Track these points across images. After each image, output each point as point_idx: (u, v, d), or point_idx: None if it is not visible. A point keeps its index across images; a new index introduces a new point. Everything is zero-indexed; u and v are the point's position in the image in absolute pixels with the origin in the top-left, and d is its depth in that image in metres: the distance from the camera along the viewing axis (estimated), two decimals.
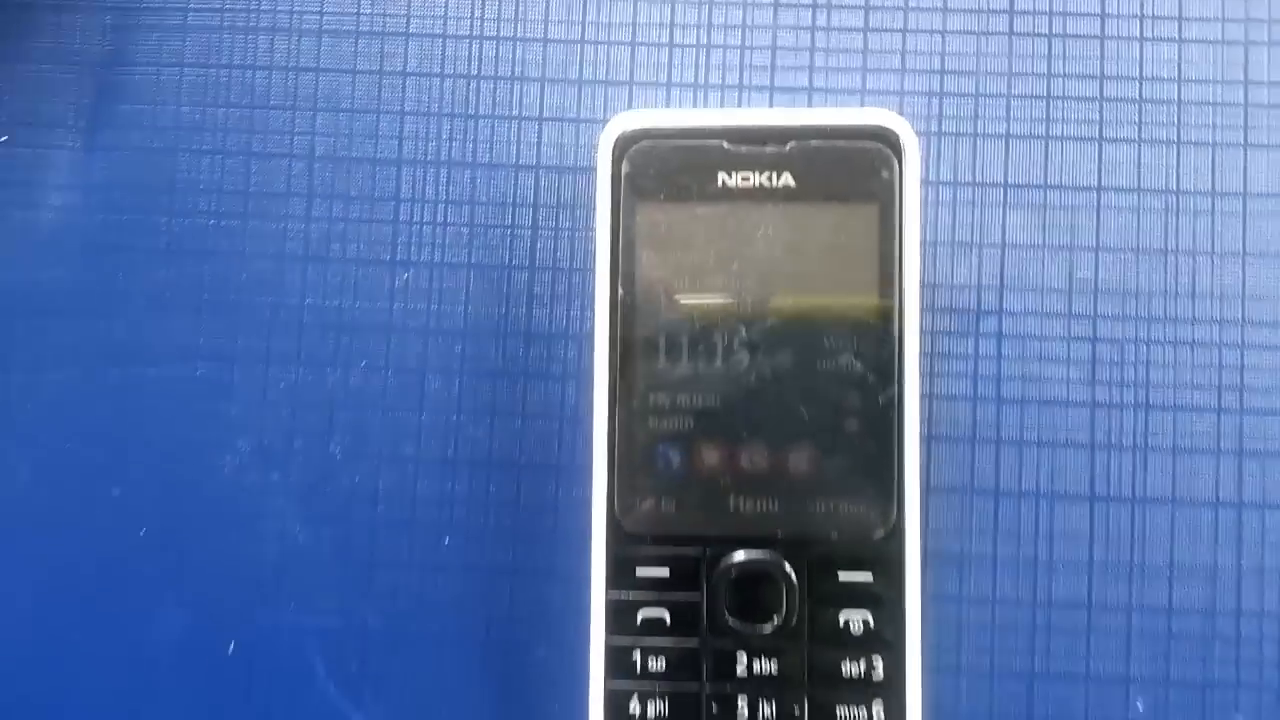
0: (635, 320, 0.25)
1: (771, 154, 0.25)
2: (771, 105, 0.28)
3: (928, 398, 0.27)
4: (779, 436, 0.25)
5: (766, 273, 0.25)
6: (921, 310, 0.25)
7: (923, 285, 0.25)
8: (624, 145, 0.25)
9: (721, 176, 0.25)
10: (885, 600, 0.24)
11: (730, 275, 0.25)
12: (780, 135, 0.25)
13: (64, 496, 0.28)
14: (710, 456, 0.25)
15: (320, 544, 0.28)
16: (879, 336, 0.24)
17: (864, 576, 0.24)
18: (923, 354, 0.25)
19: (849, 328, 0.25)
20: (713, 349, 0.25)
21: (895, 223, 0.25)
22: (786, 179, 0.25)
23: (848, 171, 0.25)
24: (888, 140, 0.25)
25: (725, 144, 0.25)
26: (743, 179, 0.25)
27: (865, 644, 0.24)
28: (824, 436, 0.24)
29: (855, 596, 0.24)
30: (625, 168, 0.25)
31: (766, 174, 0.25)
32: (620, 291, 0.25)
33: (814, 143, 0.25)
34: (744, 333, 0.25)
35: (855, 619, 0.24)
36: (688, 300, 0.25)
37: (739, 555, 0.25)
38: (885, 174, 0.25)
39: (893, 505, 0.24)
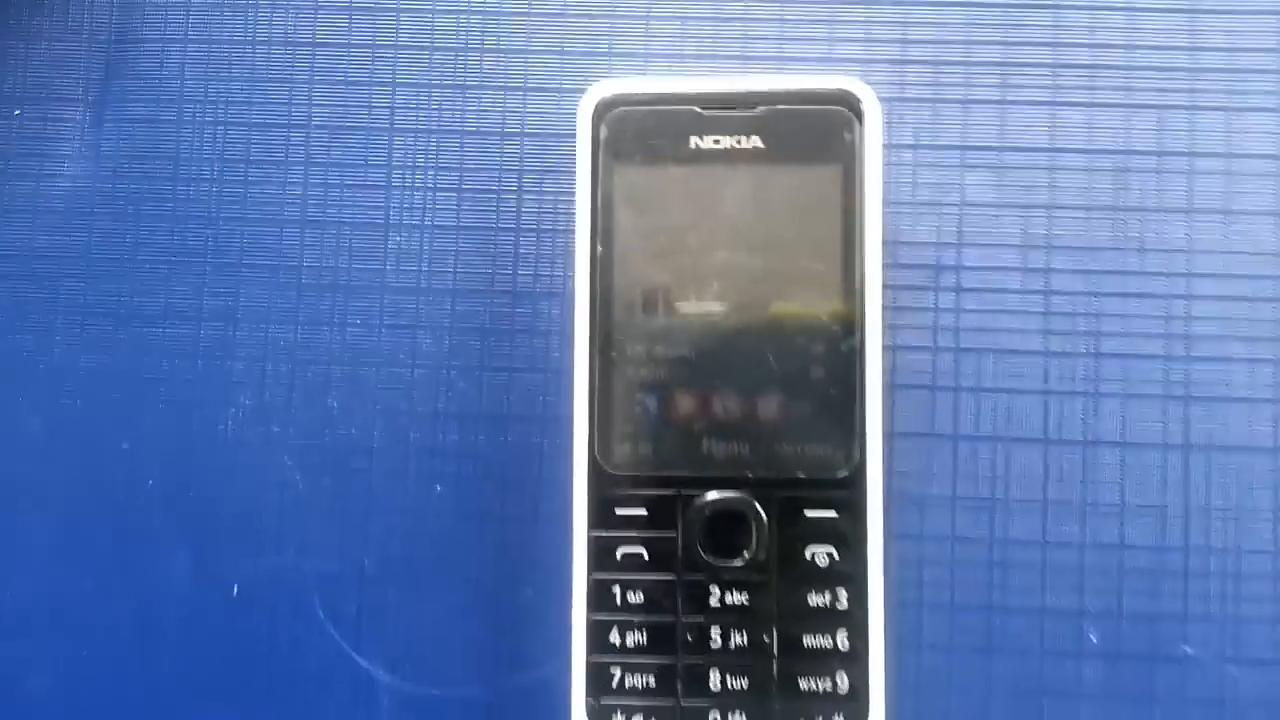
0: (613, 276, 0.26)
1: (741, 118, 0.26)
2: (742, 74, 0.29)
3: (891, 348, 0.28)
4: (749, 384, 0.26)
5: (736, 230, 0.26)
6: (883, 265, 0.26)
7: (885, 242, 0.26)
8: (602, 111, 0.27)
9: (694, 140, 0.26)
10: (849, 536, 0.26)
11: (702, 233, 0.26)
12: (749, 100, 0.26)
13: (76, 450, 0.29)
14: (684, 403, 0.26)
15: (319, 493, 0.29)
16: (842, 289, 0.26)
17: (829, 514, 0.26)
18: (886, 308, 0.26)
19: (813, 280, 0.26)
20: (684, 301, 0.26)
21: (857, 182, 0.26)
22: (755, 141, 0.26)
23: (813, 134, 0.26)
24: (850, 104, 0.26)
25: (697, 109, 0.26)
26: (714, 142, 0.27)
27: (830, 577, 0.26)
28: (791, 384, 0.26)
29: (821, 533, 0.26)
30: (603, 132, 0.26)
31: (736, 137, 0.26)
32: (599, 249, 0.26)
33: (781, 107, 0.26)
34: (715, 286, 0.26)
35: (821, 553, 0.26)
36: (662, 256, 0.26)
37: (712, 495, 0.26)
38: (848, 136, 0.26)
39: (855, 446, 0.26)
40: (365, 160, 0.30)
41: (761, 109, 0.26)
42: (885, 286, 0.26)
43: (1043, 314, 0.28)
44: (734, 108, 0.26)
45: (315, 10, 0.30)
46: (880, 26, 0.29)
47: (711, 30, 0.30)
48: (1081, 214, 0.29)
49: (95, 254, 0.30)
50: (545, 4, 0.30)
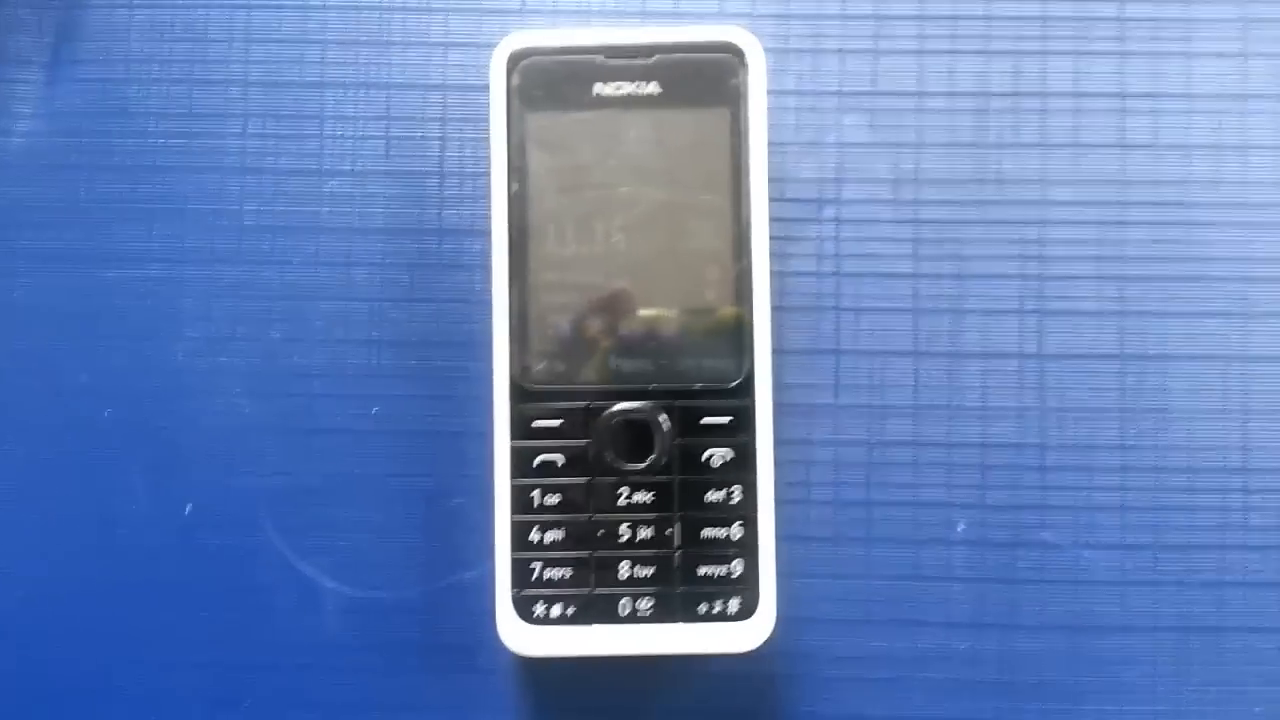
0: (526, 211, 0.28)
1: (639, 66, 0.28)
2: (640, 27, 0.31)
3: (779, 274, 0.30)
4: (650, 306, 0.28)
5: (636, 168, 0.28)
6: (770, 199, 0.28)
7: (772, 179, 0.29)
8: (514, 61, 0.29)
9: (597, 86, 0.29)
10: (742, 439, 0.28)
11: (605, 171, 0.28)
12: (646, 50, 0.29)
13: (39, 383, 0.31)
14: (592, 324, 0.28)
15: (265, 416, 0.31)
16: (731, 218, 0.28)
17: (723, 420, 0.28)
18: (773, 237, 0.29)
19: (707, 212, 0.28)
20: (591, 232, 0.28)
21: (743, 123, 0.28)
22: (653, 87, 0.29)
23: (704, 80, 0.28)
24: (736, 52, 0.28)
25: (600, 58, 0.29)
26: (615, 88, 0.29)
27: (725, 476, 0.28)
28: (687, 305, 0.28)
29: (716, 436, 0.28)
30: (514, 80, 0.29)
31: (635, 83, 0.29)
32: (514, 186, 0.28)
33: (675, 56, 0.29)
34: (618, 219, 0.28)
35: (717, 455, 0.28)
36: (570, 192, 0.29)
37: (618, 406, 0.28)
38: (734, 81, 0.28)
39: (745, 359, 0.28)
40: (299, 112, 0.31)
41: (658, 58, 0.28)
42: (773, 219, 0.29)
43: (912, 240, 0.31)
44: (633, 57, 0.28)
45: None
46: None
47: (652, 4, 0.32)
48: (945, 150, 0.31)
49: (50, 203, 0.32)
50: None
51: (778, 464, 0.28)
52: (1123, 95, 0.31)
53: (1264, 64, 0.31)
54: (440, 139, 0.31)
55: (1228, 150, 0.31)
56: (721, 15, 0.31)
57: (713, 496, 0.28)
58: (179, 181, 0.31)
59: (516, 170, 0.28)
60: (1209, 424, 0.31)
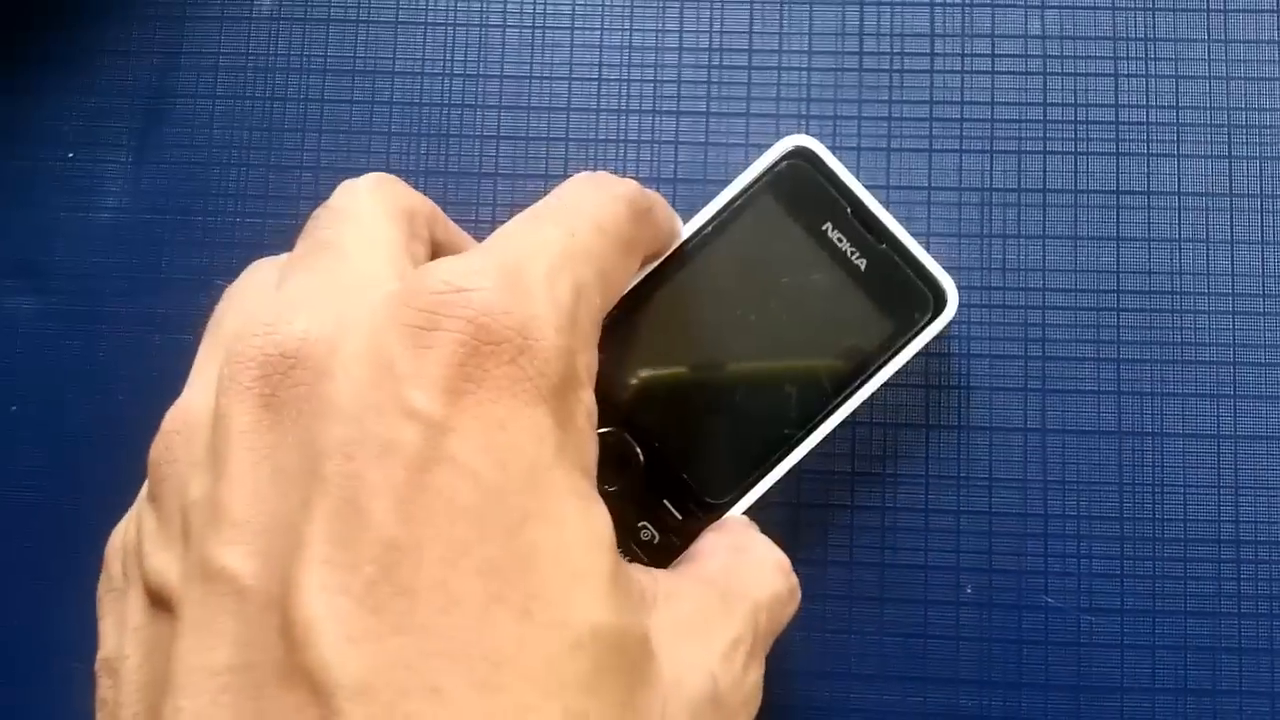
0: (694, 260, 0.28)
1: (867, 241, 0.29)
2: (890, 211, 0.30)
3: None
4: (709, 396, 0.29)
5: (795, 303, 0.29)
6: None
7: None
8: (793, 155, 0.29)
9: (828, 225, 0.29)
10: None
11: (766, 291, 0.29)
12: (881, 236, 0.29)
13: (120, 445, 0.33)
14: (645, 392, 0.28)
15: None
16: (817, 407, 0.28)
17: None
18: None
19: (802, 386, 0.28)
20: (717, 313, 0.28)
21: (899, 344, 0.29)
22: (861, 263, 0.29)
23: (900, 294, 0.29)
24: (939, 297, 0.29)
25: (849, 210, 0.29)
26: (838, 238, 0.29)
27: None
28: (734, 419, 0.28)
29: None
30: (780, 166, 0.29)
31: (854, 249, 0.29)
32: (708, 229, 0.29)
33: (895, 258, 0.29)
34: (749, 318, 0.28)
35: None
36: (720, 279, 0.29)
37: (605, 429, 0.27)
38: (918, 315, 0.29)
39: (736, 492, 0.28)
40: None
41: (885, 247, 0.29)
42: None
43: None
44: (870, 231, 0.29)
45: (323, 72, 0.35)
46: (789, 89, 0.34)
47: (724, 105, 0.35)
48: (954, 240, 0.33)
49: (136, 273, 0.34)
50: (515, 67, 0.35)
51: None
52: (1118, 192, 0.33)
53: (1247, 165, 0.33)
54: (490, 223, 0.34)
55: (1215, 244, 0.33)
56: (744, 114, 0.34)
57: None
58: (253, 256, 0.33)
59: (718, 223, 0.29)
60: (1202, 498, 0.32)
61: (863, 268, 0.29)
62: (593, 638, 0.19)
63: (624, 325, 0.28)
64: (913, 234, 0.28)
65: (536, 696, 0.18)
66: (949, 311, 0.29)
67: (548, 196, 0.24)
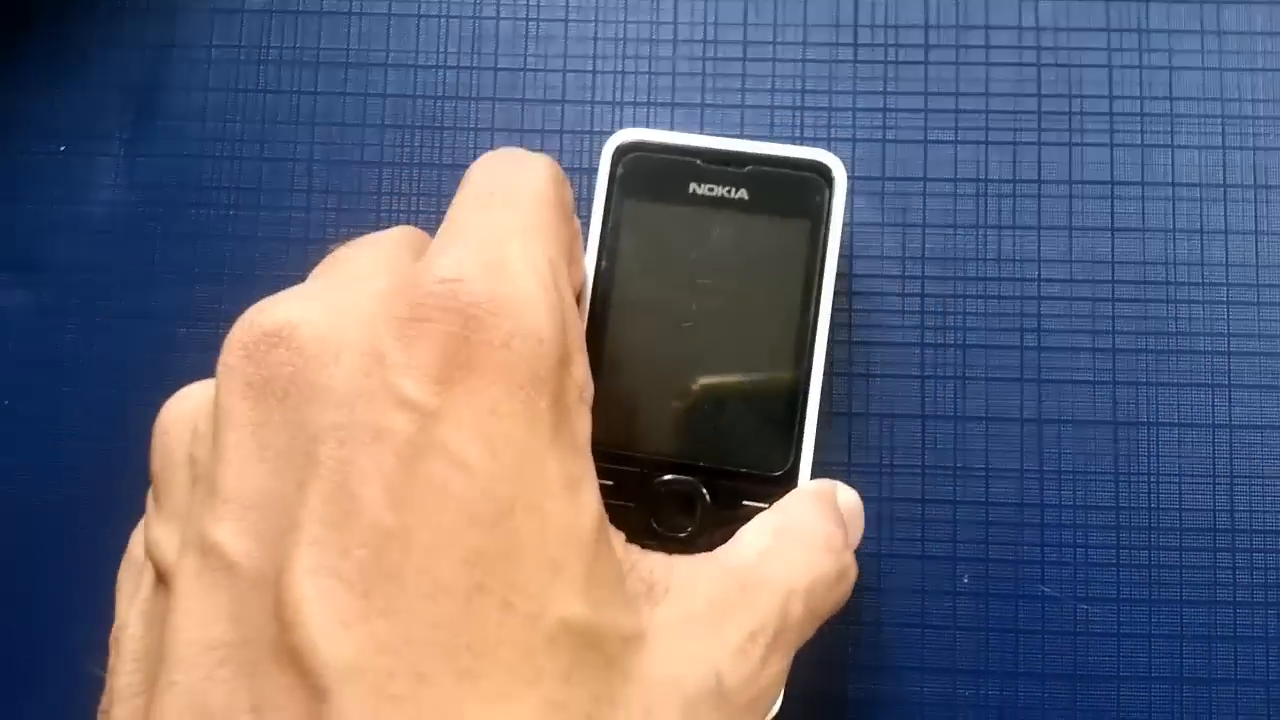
0: (610, 287, 0.29)
1: (733, 173, 0.29)
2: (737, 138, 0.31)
3: None
4: (710, 389, 0.28)
5: (716, 264, 0.29)
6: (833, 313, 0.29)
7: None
8: (621, 153, 0.30)
9: (692, 185, 0.30)
10: None
11: (687, 261, 0.29)
12: (741, 159, 0.29)
13: (110, 433, 0.33)
14: (655, 398, 0.29)
15: None
16: (798, 324, 0.28)
17: (763, 505, 0.28)
18: None
19: (774, 314, 0.29)
20: (667, 314, 0.29)
21: (821, 237, 0.29)
22: (742, 194, 0.29)
23: (789, 194, 0.29)
24: (824, 172, 0.29)
25: (698, 161, 0.30)
26: (708, 189, 0.30)
27: None
28: (744, 394, 0.28)
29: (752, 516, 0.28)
30: (619, 170, 0.29)
31: (727, 188, 0.29)
32: (602, 263, 0.29)
33: (767, 169, 0.29)
34: (692, 306, 0.29)
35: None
36: (651, 276, 0.29)
37: (668, 476, 0.28)
38: (817, 199, 0.29)
39: (791, 452, 0.28)
40: (358, 189, 0.34)
41: (750, 167, 0.29)
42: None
43: (919, 313, 0.33)
44: (728, 164, 0.29)
45: (316, 65, 0.35)
46: (782, 80, 0.34)
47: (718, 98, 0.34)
48: (949, 231, 0.33)
49: (127, 266, 0.34)
50: (508, 60, 0.35)
51: None
52: (1112, 183, 0.33)
53: (1241, 156, 0.33)
54: None
55: (1209, 235, 0.33)
56: (739, 106, 0.34)
57: None
58: (246, 249, 0.34)
59: (608, 250, 0.29)
60: (1197, 487, 0.32)
61: (746, 196, 0.29)
62: (565, 631, 0.19)
63: (595, 368, 0.27)
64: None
65: (516, 685, 0.19)
66: (839, 177, 0.29)
67: (472, 182, 0.24)
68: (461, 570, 0.19)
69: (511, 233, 0.22)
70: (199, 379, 0.26)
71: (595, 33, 0.35)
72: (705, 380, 0.29)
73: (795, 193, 0.29)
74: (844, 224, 0.29)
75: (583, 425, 0.22)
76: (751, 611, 0.24)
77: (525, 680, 0.19)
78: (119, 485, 0.32)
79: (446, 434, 0.19)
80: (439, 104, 0.34)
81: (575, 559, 0.20)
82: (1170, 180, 0.33)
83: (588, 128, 0.34)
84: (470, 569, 0.19)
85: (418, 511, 0.19)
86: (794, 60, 0.34)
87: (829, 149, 0.29)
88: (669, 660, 0.22)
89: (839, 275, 0.29)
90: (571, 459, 0.21)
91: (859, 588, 0.31)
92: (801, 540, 0.26)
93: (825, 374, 0.28)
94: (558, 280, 0.22)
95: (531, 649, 0.19)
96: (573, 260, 0.25)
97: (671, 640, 0.22)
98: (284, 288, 0.33)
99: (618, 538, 0.24)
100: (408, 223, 0.33)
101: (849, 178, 0.30)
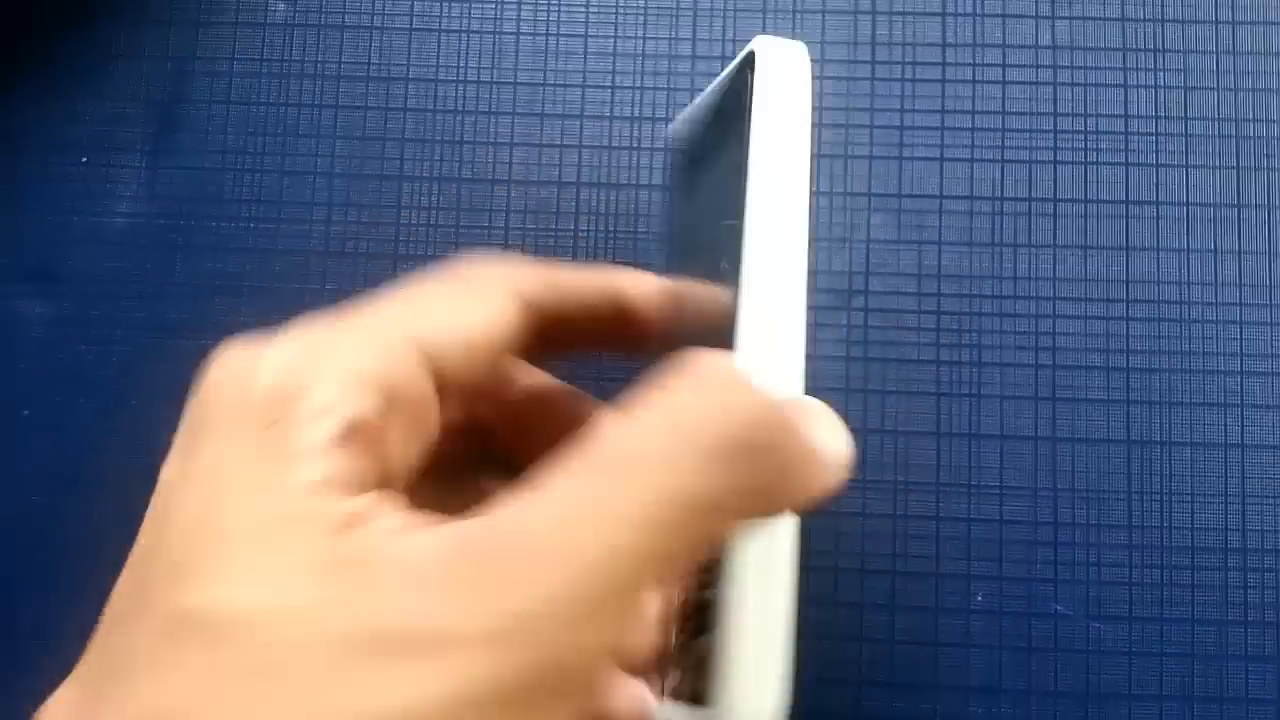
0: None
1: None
2: None
3: (812, 358, 0.32)
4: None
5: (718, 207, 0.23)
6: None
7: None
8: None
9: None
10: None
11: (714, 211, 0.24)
12: None
13: (128, 443, 0.33)
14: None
15: None
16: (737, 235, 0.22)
17: None
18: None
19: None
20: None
21: (744, 129, 0.23)
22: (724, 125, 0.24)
23: (733, 103, 0.24)
24: (749, 60, 0.23)
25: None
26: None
27: None
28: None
29: None
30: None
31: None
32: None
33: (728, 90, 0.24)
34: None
35: None
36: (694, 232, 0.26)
37: None
38: (746, 94, 0.23)
39: None
40: (378, 202, 0.34)
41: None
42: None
43: (934, 330, 0.33)
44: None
45: (337, 78, 0.35)
46: None
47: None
48: (965, 249, 0.33)
49: (148, 277, 0.34)
50: (528, 75, 0.35)
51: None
52: (1127, 202, 0.33)
53: (1255, 176, 0.33)
54: (504, 229, 0.34)
55: (1224, 254, 0.33)
56: None
57: None
58: (266, 262, 0.34)
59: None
60: (1210, 506, 0.32)
61: (720, 128, 0.24)
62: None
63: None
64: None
65: None
66: (765, 56, 0.23)
67: None
68: None
69: None
70: None
71: (614, 48, 0.35)
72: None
73: (736, 97, 0.24)
74: (812, 108, 0.23)
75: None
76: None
77: None
78: (134, 499, 0.32)
79: None
80: (459, 118, 0.35)
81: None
82: (1185, 200, 0.33)
83: (606, 143, 0.34)
84: None
85: None
86: (813, 77, 0.34)
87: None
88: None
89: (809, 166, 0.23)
90: None
91: (872, 605, 0.32)
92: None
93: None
94: None
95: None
96: None
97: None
98: (305, 300, 0.33)
99: None
100: (426, 236, 0.34)
101: (814, 61, 0.24)
